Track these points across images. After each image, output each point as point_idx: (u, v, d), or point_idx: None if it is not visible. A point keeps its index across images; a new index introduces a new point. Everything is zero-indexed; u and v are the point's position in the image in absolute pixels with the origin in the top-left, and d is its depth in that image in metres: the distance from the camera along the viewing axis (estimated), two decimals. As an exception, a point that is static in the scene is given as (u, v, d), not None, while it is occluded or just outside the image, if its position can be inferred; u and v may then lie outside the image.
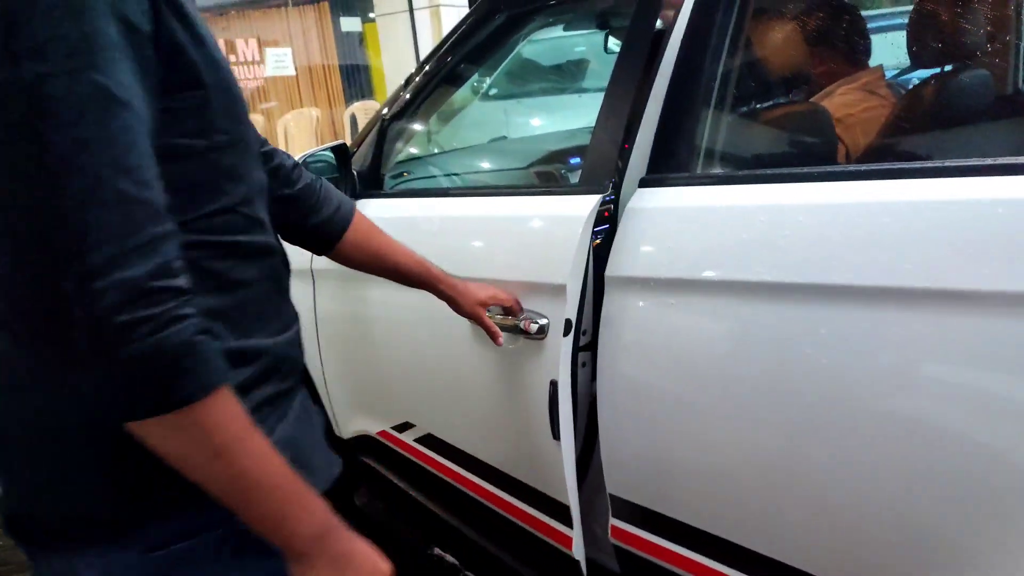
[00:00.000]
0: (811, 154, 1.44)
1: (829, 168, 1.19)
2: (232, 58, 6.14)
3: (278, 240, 0.92)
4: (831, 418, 1.11)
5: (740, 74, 1.44)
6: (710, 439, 1.28)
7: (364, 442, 2.17)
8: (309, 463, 0.84)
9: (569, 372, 1.40)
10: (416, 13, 7.56)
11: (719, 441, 1.26)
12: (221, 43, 5.72)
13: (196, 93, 0.73)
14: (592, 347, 1.44)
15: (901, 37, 1.65)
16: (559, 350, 1.36)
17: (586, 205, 1.34)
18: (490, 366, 1.57)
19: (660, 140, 1.37)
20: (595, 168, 1.42)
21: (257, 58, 6.36)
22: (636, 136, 1.39)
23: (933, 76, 1.64)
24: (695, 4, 1.35)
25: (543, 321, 1.40)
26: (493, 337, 1.42)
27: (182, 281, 0.65)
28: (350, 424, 2.23)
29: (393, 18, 7.63)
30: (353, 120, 7.87)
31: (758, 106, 1.56)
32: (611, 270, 1.35)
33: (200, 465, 0.68)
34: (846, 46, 1.73)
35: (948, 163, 1.04)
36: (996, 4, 1.58)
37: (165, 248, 0.64)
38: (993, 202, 0.96)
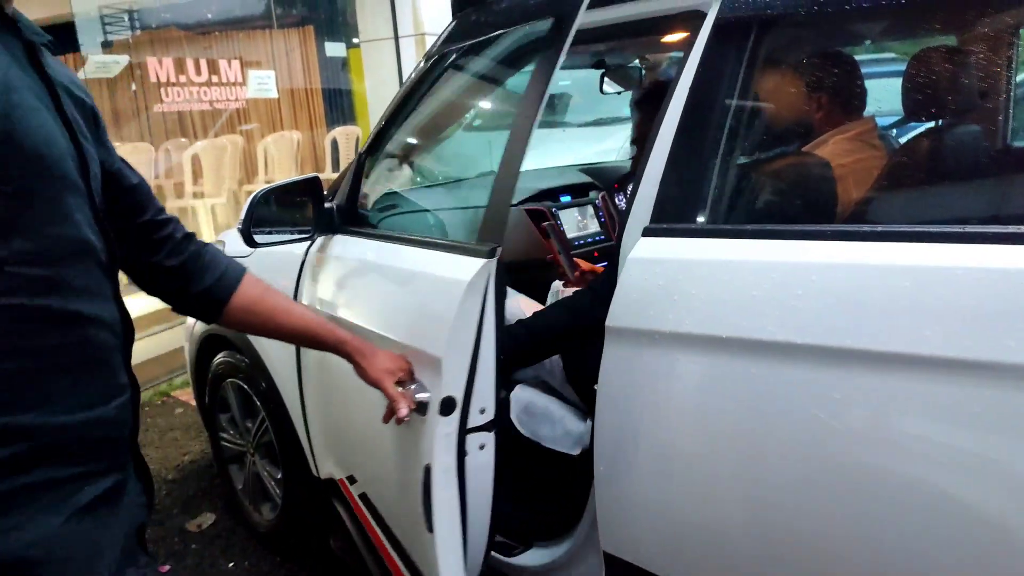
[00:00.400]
0: (817, 208, 1.43)
1: (842, 228, 1.16)
2: (215, 79, 6.07)
3: (114, 307, 0.88)
4: (839, 482, 1.08)
5: (745, 124, 1.42)
6: (714, 498, 1.23)
7: (333, 486, 2.10)
8: (73, 562, 0.78)
9: (451, 456, 1.29)
10: (401, 40, 7.56)
11: (723, 500, 1.22)
12: (203, 63, 5.63)
13: None
14: (494, 427, 1.34)
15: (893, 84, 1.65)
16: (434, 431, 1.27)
17: (469, 268, 1.25)
18: (393, 438, 1.47)
19: (664, 190, 1.34)
20: (490, 227, 1.32)
21: (240, 79, 6.30)
22: (640, 185, 1.37)
23: (928, 130, 1.64)
24: (702, 56, 1.33)
25: (424, 396, 1.30)
26: (394, 409, 1.30)
27: None
28: (324, 465, 2.15)
29: (378, 44, 7.62)
30: (334, 144, 7.81)
31: (762, 156, 1.54)
32: (612, 320, 1.31)
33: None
34: (843, 96, 1.73)
35: (961, 229, 1.02)
36: (989, 60, 1.59)
37: None
38: (1005, 272, 0.95)
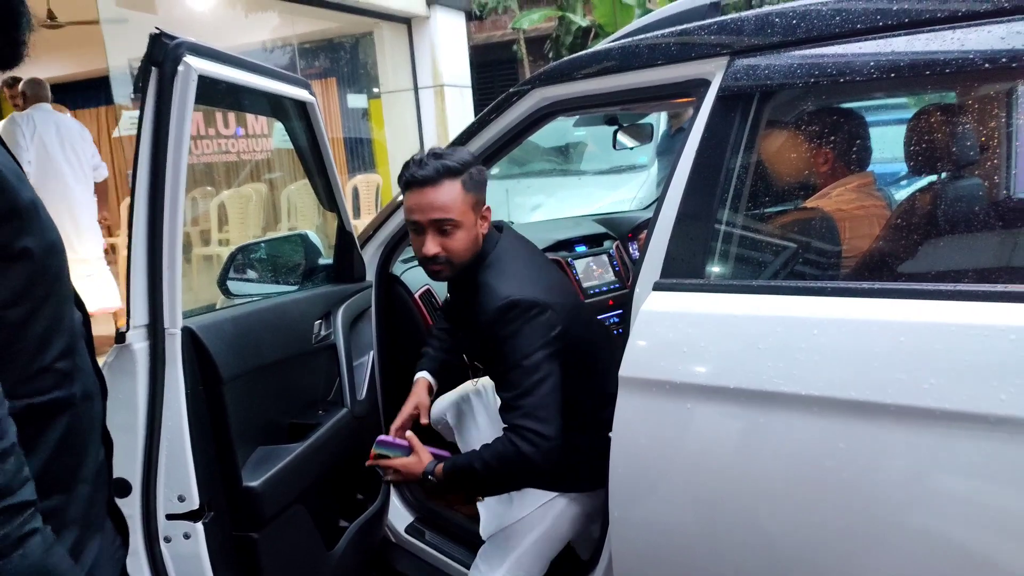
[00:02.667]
0: (822, 264, 1.49)
1: (843, 285, 1.22)
2: (242, 131, 6.28)
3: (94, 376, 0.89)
4: (845, 528, 1.12)
5: (750, 183, 1.50)
6: (723, 543, 1.28)
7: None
8: None
9: (136, 538, 1.28)
10: (420, 92, 7.78)
11: (735, 544, 1.26)
12: (231, 116, 5.80)
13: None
14: (202, 517, 1.33)
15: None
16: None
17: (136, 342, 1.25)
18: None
19: (674, 246, 1.41)
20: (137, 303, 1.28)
21: (266, 131, 6.51)
22: (651, 240, 1.44)
23: (931, 184, 1.71)
24: (707, 120, 1.41)
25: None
26: None
27: (28, 492, 0.63)
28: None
29: (398, 96, 7.85)
30: (355, 192, 7.99)
31: (767, 213, 1.61)
32: (625, 371, 1.37)
33: None
34: (846, 150, 1.80)
35: (964, 287, 1.08)
36: (989, 115, 1.66)
37: (7, 462, 0.62)
38: (996, 328, 1.00)
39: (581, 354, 1.67)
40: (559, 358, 1.57)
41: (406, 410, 1.84)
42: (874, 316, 1.13)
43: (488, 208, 1.67)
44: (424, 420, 1.85)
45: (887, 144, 1.96)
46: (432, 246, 1.59)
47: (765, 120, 1.42)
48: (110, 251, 7.24)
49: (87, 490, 0.85)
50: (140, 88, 1.21)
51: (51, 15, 6.08)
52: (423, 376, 1.92)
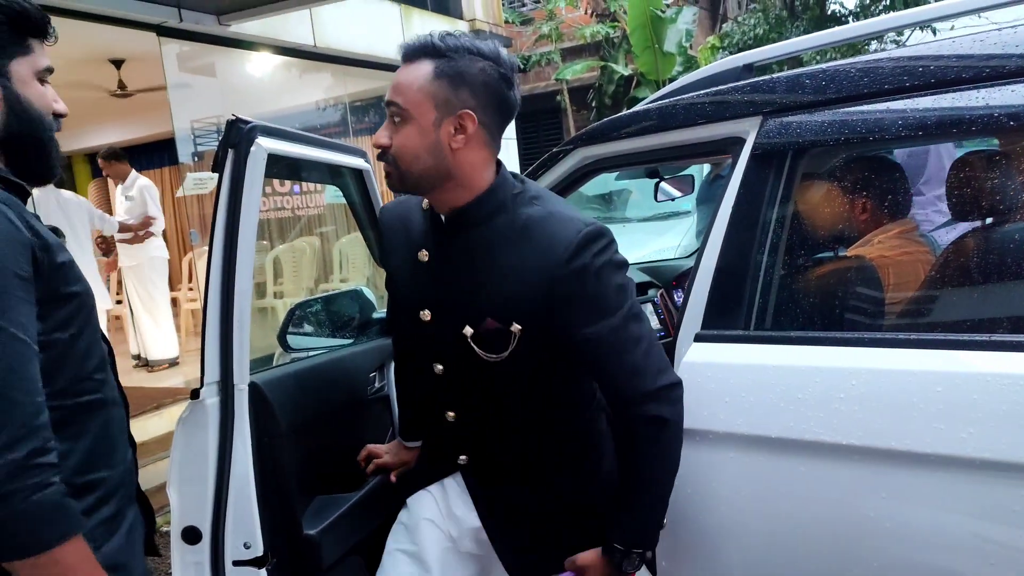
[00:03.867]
0: (860, 311, 1.51)
1: (882, 336, 1.26)
2: (299, 189, 6.55)
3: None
4: (894, 580, 1.13)
5: (787, 235, 1.54)
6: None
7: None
8: (128, 568, 1.11)
9: None
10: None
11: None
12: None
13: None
14: (266, 564, 1.37)
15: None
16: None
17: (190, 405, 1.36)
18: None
19: (714, 298, 1.46)
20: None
21: (319, 188, 6.76)
22: (691, 293, 1.49)
23: (975, 230, 1.72)
24: (743, 175, 1.47)
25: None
26: None
27: (53, 457, 0.92)
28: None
29: (445, 149, 8.08)
30: (404, 243, 8.16)
31: (807, 262, 1.64)
32: (669, 420, 1.41)
33: None
34: (886, 198, 1.83)
35: (1002, 338, 1.10)
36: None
37: (43, 434, 0.92)
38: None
39: None
40: None
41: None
42: (913, 366, 1.16)
43: (469, 115, 1.19)
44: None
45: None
46: (382, 134, 1.22)
47: (800, 174, 1.47)
48: (172, 304, 7.54)
49: (121, 471, 1.14)
50: (218, 167, 1.34)
51: (121, 85, 6.47)
52: (397, 441, 1.64)
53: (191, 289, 7.05)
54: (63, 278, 1.03)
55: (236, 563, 1.38)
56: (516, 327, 1.20)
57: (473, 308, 1.23)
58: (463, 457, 1.38)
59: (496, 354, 1.23)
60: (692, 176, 2.73)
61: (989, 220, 1.65)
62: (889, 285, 1.64)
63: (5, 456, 0.88)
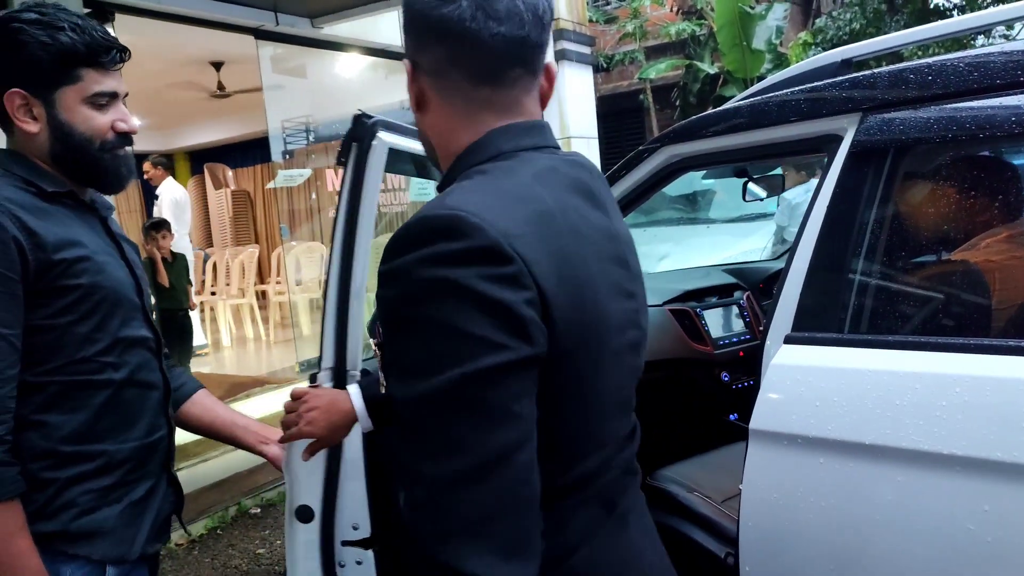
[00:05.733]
0: (964, 317, 1.44)
1: (987, 342, 1.19)
2: (381, 185, 6.71)
3: (159, 375, 1.32)
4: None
5: (885, 235, 1.48)
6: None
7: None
8: (114, 535, 1.22)
9: (315, 563, 1.39)
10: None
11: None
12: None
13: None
14: (372, 546, 1.38)
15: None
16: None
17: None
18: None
19: (805, 299, 1.42)
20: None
21: (404, 185, 6.91)
22: (782, 293, 1.45)
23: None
24: (839, 175, 1.42)
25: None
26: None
27: (2, 430, 1.10)
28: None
29: (527, 148, 8.11)
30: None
31: (907, 264, 1.58)
32: (755, 423, 1.38)
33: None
34: (995, 200, 1.73)
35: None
36: None
37: None
38: None
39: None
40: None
41: None
42: (1022, 374, 1.10)
43: (407, 64, 0.88)
44: None
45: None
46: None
47: (901, 173, 1.41)
48: (260, 296, 7.86)
49: (134, 447, 1.26)
50: (342, 160, 1.40)
51: (221, 86, 6.78)
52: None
53: (279, 282, 7.32)
54: (64, 272, 1.17)
55: (345, 543, 1.44)
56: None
57: None
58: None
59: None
60: (781, 175, 2.66)
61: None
62: (996, 290, 1.56)
63: None
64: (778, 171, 2.65)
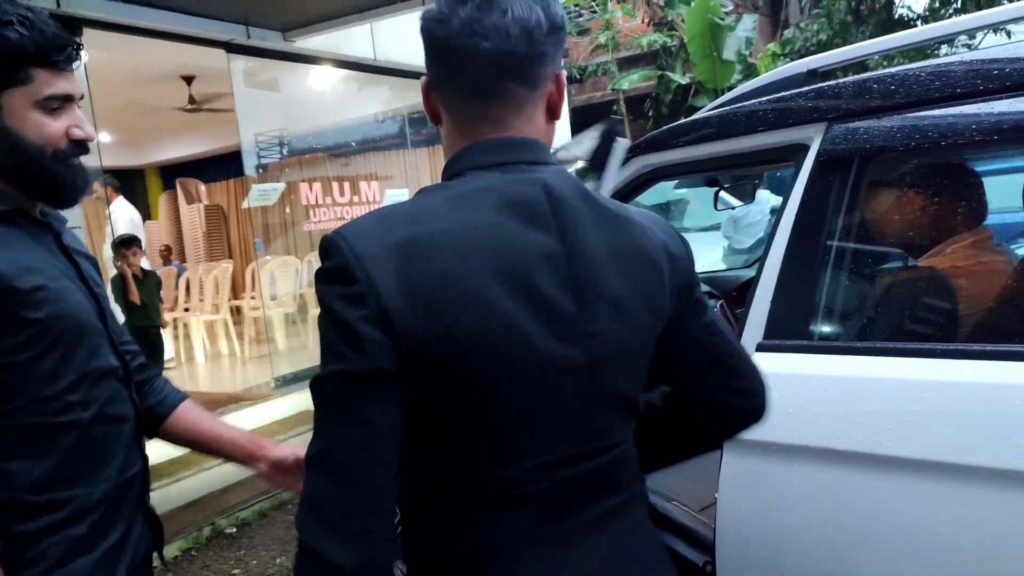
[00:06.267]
0: (931, 323, 1.46)
1: (955, 347, 1.21)
2: (356, 199, 6.68)
3: (130, 406, 1.20)
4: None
5: (853, 242, 1.50)
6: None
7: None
8: None
9: None
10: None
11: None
12: (347, 186, 6.22)
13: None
14: None
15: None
16: None
17: None
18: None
19: (776, 307, 1.43)
20: None
21: (377, 198, 6.89)
22: (752, 302, 1.46)
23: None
24: (807, 183, 1.44)
25: None
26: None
27: None
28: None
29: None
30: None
31: (874, 271, 1.60)
32: (730, 431, 1.38)
33: None
34: (960, 206, 1.76)
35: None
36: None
37: None
38: None
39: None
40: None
41: None
42: (991, 378, 1.11)
43: (424, 81, 0.90)
44: None
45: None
46: None
47: (867, 181, 1.43)
48: (235, 312, 7.78)
49: (107, 489, 1.15)
50: (597, 161, 1.37)
51: (192, 100, 6.72)
52: None
53: (254, 298, 7.25)
54: (20, 304, 1.05)
55: None
56: None
57: None
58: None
59: None
60: (752, 184, 2.69)
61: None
62: (962, 296, 1.59)
63: None
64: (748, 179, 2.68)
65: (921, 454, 1.13)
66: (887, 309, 1.50)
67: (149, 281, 5.07)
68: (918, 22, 8.43)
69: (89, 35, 4.27)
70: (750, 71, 10.32)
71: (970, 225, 1.75)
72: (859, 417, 1.21)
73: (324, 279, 0.79)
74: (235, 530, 3.78)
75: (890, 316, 1.48)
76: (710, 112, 1.72)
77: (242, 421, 4.97)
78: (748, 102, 1.62)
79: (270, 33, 5.41)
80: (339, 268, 0.78)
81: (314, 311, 6.88)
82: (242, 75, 5.68)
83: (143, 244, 5.77)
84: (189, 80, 6.49)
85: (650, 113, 11.72)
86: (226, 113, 5.91)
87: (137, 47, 4.87)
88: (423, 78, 0.90)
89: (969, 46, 7.23)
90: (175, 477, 4.10)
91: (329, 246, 0.79)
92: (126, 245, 4.98)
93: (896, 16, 8.55)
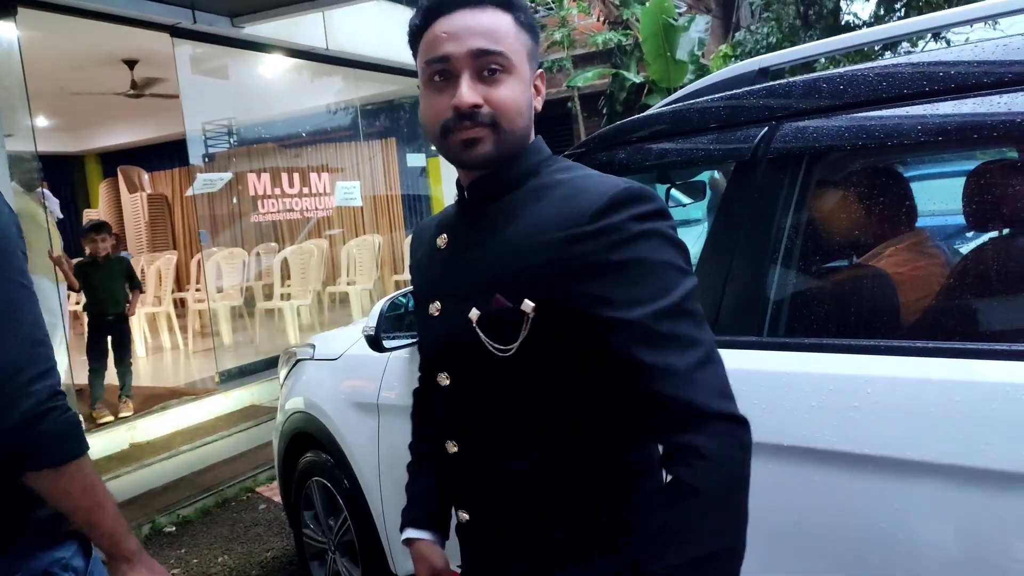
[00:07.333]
0: (873, 320, 1.49)
1: (897, 343, 1.23)
2: (305, 190, 6.56)
3: None
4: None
5: (799, 242, 1.51)
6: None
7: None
8: None
9: None
10: (477, 149, 8.02)
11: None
12: (296, 177, 6.08)
13: None
14: None
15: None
16: None
17: None
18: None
19: (726, 301, 1.43)
20: None
21: (328, 190, 6.77)
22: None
23: (991, 240, 1.69)
24: (762, 173, 1.44)
25: None
26: None
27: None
28: (402, 564, 2.22)
29: (455, 153, 8.10)
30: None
31: (820, 269, 1.62)
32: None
33: (76, 497, 1.05)
34: (894, 208, 1.80)
35: (1008, 347, 1.08)
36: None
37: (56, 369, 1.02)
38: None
39: None
40: None
41: None
42: (930, 375, 1.13)
43: (542, 75, 1.06)
44: None
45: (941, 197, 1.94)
46: (469, 93, 0.95)
47: (814, 181, 1.44)
48: (179, 304, 7.57)
49: None
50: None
51: (134, 85, 6.50)
52: (423, 541, 1.18)
53: (199, 290, 7.06)
54: None
55: None
56: (528, 305, 0.93)
57: (483, 285, 0.97)
58: (464, 514, 1.06)
59: (504, 345, 0.95)
60: (704, 182, 2.70)
61: (1007, 230, 1.62)
62: (902, 294, 1.62)
63: (43, 382, 0.98)
64: (700, 177, 2.70)
65: (862, 449, 1.15)
66: (831, 306, 1.52)
67: (111, 267, 4.82)
68: (863, 27, 8.65)
69: (24, 15, 4.09)
70: (703, 71, 10.45)
71: (905, 228, 1.79)
72: (805, 413, 1.23)
73: (658, 216, 0.91)
74: (175, 528, 3.68)
75: (834, 313, 1.50)
76: (663, 109, 1.72)
77: (184, 416, 4.84)
78: (700, 99, 1.62)
79: (218, 18, 5.26)
80: (663, 208, 0.92)
81: (261, 305, 6.76)
82: (188, 61, 5.52)
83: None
84: (132, 64, 6.28)
85: (604, 111, 11.78)
86: (171, 100, 5.73)
87: (75, 28, 4.68)
88: (541, 71, 1.05)
89: (912, 52, 7.45)
90: (113, 474, 3.97)
91: (644, 192, 0.92)
92: (96, 231, 4.77)
93: (843, 22, 8.76)
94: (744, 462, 0.86)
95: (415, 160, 8.41)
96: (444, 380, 1.04)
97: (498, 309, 0.95)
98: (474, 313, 0.97)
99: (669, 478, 0.85)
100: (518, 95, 0.97)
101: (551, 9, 12.52)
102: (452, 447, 1.05)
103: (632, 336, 0.86)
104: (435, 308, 1.05)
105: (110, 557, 1.14)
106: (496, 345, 0.96)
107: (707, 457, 0.82)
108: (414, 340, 1.92)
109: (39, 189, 4.67)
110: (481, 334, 0.96)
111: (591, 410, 0.97)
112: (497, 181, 1.00)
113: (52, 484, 1.02)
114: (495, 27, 0.96)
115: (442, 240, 1.07)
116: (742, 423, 0.86)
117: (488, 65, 0.95)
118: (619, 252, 0.88)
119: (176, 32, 5.12)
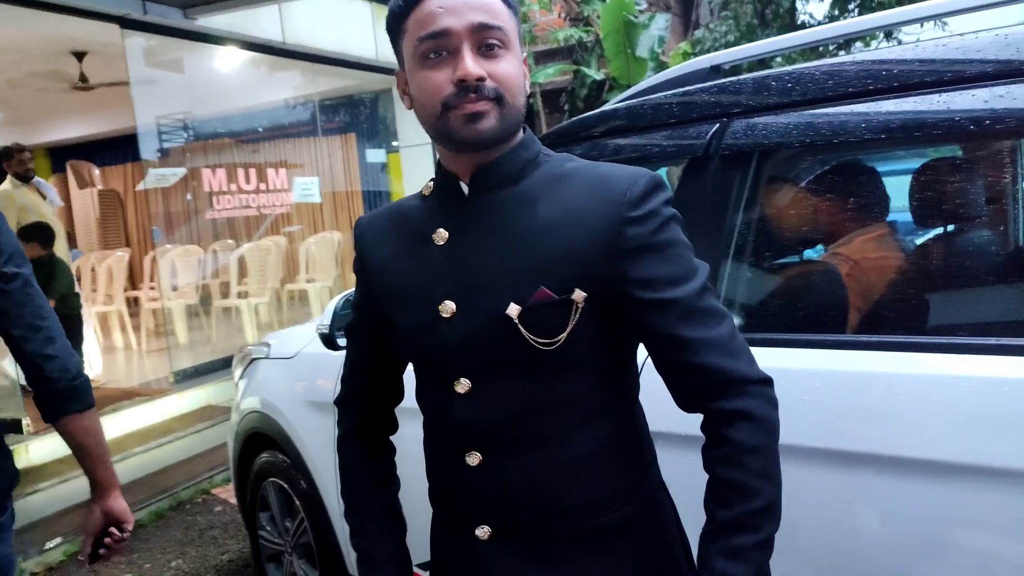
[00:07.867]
0: (823, 315, 1.51)
1: (846, 338, 1.25)
2: (262, 186, 6.45)
3: None
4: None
5: (755, 235, 1.53)
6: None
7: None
8: None
9: None
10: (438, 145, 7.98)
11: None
12: (253, 173, 5.96)
13: None
14: None
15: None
16: None
17: None
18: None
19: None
20: None
21: (286, 186, 6.66)
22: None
23: (938, 235, 1.73)
24: (712, 171, 1.46)
25: None
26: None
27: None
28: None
29: (415, 149, 8.04)
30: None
31: (772, 265, 1.64)
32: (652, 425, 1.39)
33: (95, 434, 1.46)
34: (862, 201, 1.83)
35: (950, 340, 1.10)
36: (994, 168, 1.69)
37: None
38: (991, 381, 1.02)
39: None
40: None
41: None
42: (876, 368, 1.15)
43: (525, 60, 1.03)
44: None
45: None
46: (473, 65, 0.92)
47: (765, 177, 1.46)
48: (132, 303, 7.40)
49: None
50: None
51: (83, 78, 6.32)
52: None
53: (152, 288, 6.91)
54: None
55: None
56: (579, 295, 0.92)
57: (518, 278, 0.94)
58: (484, 531, 1.00)
59: (550, 338, 0.93)
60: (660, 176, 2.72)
61: (951, 227, 1.66)
62: (854, 289, 1.64)
63: (78, 357, 1.44)
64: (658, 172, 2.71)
65: (810, 442, 1.16)
66: (782, 301, 1.54)
67: (53, 268, 4.72)
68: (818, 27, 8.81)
69: (-36, 3, 3.95)
70: (662, 68, 10.55)
71: (865, 221, 1.82)
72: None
73: (671, 201, 0.95)
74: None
75: (785, 307, 1.52)
76: (618, 104, 1.72)
77: (137, 418, 4.73)
78: (655, 95, 1.63)
79: (169, 9, 5.14)
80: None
81: (217, 303, 6.64)
82: (139, 53, 5.38)
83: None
84: (80, 56, 6.10)
85: (565, 107, 11.82)
86: (122, 93, 5.58)
87: (19, 17, 4.53)
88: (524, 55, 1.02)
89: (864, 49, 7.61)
90: (63, 477, 3.86)
91: (662, 181, 0.95)
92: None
93: (799, 22, 8.92)
94: (778, 418, 0.93)
95: (375, 156, 8.33)
96: (463, 387, 0.98)
97: (542, 302, 0.92)
98: (513, 309, 0.93)
99: (716, 438, 0.92)
100: (517, 71, 0.96)
101: (512, 5, 12.52)
102: (474, 459, 0.99)
103: (675, 314, 0.91)
104: (447, 310, 0.98)
105: (107, 485, 1.48)
106: (539, 340, 0.93)
107: (756, 419, 0.90)
108: None
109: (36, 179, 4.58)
110: (523, 330, 0.93)
111: (622, 397, 1.03)
112: (503, 169, 0.98)
113: (85, 423, 1.42)
114: (492, 2, 0.94)
115: (440, 236, 1.00)
116: (770, 383, 0.93)
117: (487, 40, 0.93)
118: (660, 235, 0.93)
119: (125, 23, 4.99)
